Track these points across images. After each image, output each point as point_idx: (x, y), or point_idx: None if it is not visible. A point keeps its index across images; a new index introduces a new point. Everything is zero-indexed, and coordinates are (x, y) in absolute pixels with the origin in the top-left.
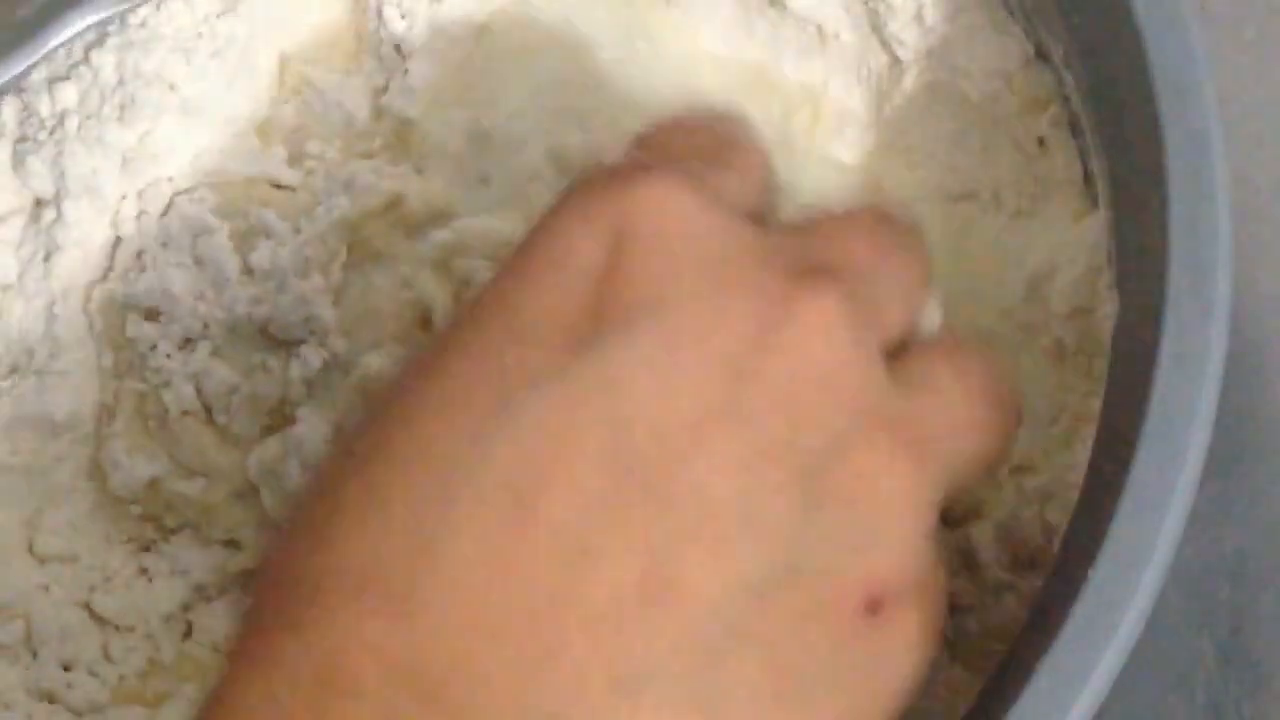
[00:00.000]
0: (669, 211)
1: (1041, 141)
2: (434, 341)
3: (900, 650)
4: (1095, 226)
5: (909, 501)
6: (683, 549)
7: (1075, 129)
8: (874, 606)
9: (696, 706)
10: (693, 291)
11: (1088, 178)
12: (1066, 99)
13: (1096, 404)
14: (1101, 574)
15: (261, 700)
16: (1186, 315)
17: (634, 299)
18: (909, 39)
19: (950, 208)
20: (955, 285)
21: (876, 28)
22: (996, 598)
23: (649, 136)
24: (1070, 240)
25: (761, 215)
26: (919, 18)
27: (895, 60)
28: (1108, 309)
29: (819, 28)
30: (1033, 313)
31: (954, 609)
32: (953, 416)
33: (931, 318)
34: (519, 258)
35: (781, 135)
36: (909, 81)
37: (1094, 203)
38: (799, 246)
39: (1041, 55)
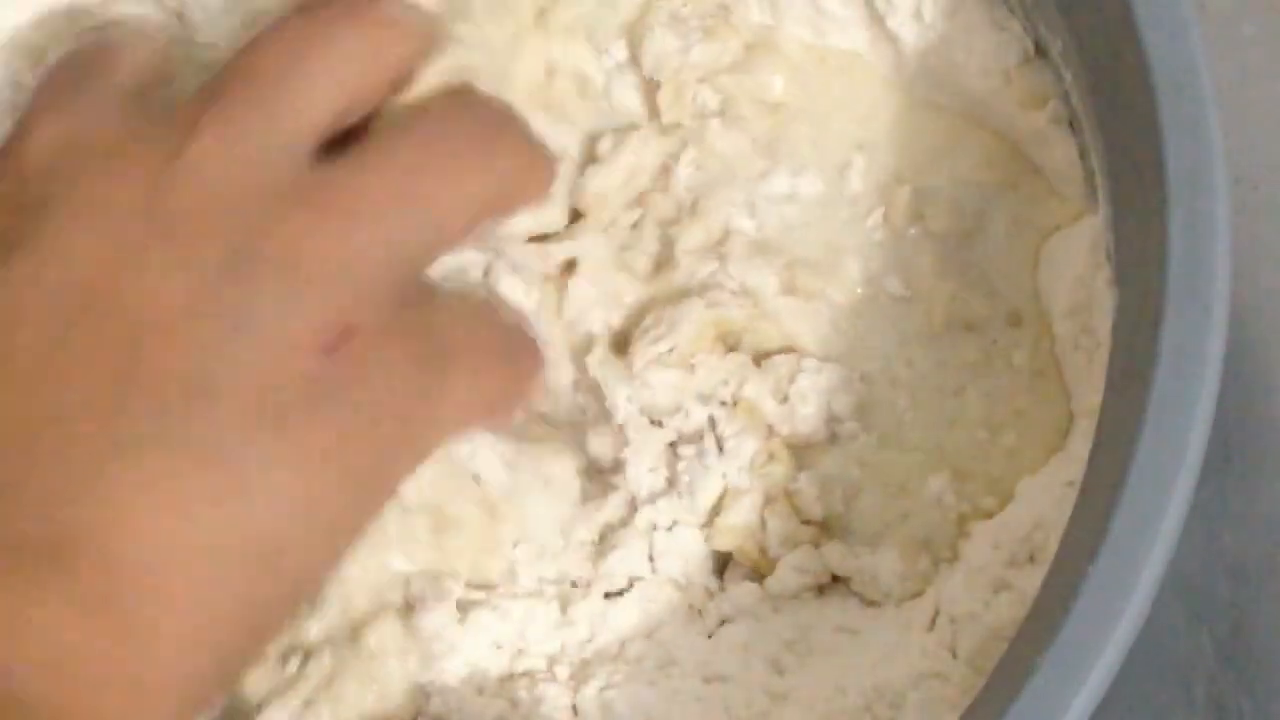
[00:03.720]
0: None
1: (1041, 138)
2: None
3: (371, 375)
4: (1094, 223)
5: (342, 253)
6: (137, 345)
7: (1074, 126)
8: (331, 346)
9: (186, 453)
10: (84, 171)
11: (1087, 175)
12: (1065, 95)
13: (1096, 400)
14: (1101, 570)
15: None
16: (1186, 312)
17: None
18: (907, 35)
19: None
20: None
21: (875, 22)
22: (996, 596)
23: None
24: (1070, 237)
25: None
26: (918, 14)
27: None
28: (1107, 306)
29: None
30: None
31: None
32: (390, 190)
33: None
34: None
35: None
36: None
37: (1093, 199)
38: (177, 109)
39: (1040, 52)
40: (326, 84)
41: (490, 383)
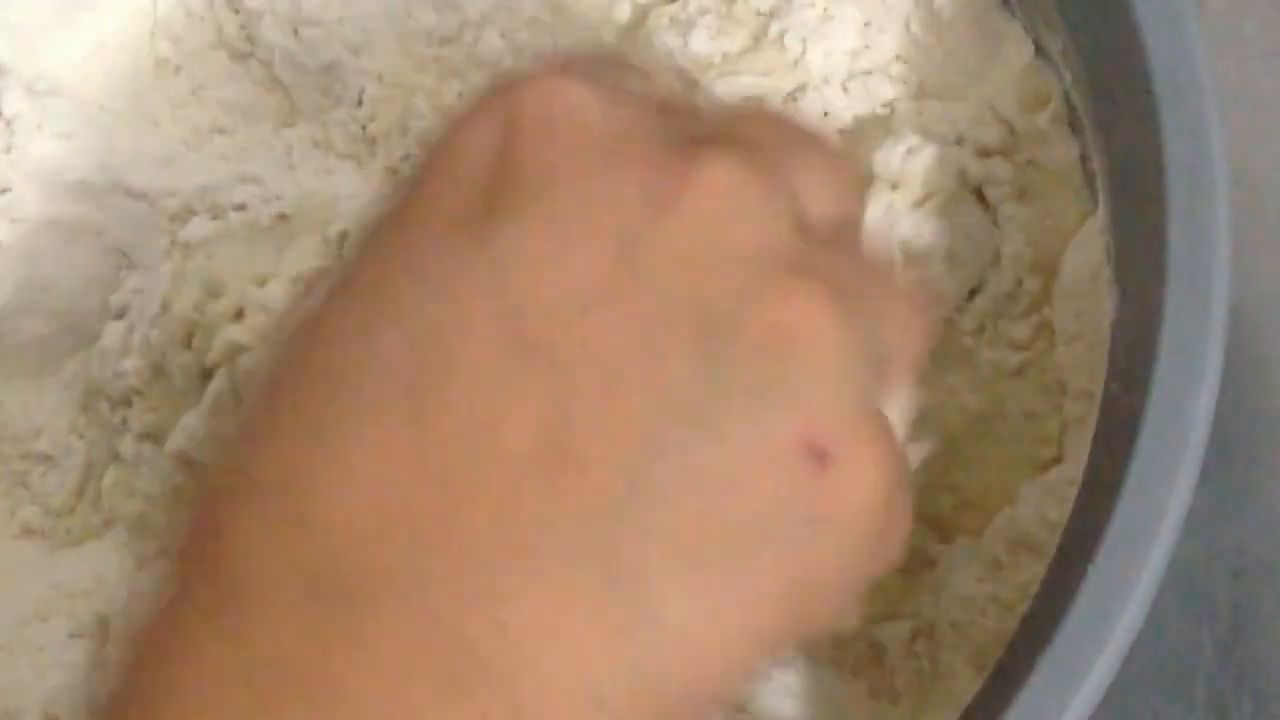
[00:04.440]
0: (556, 97)
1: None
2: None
3: (851, 503)
4: (1095, 222)
5: (838, 346)
6: (574, 413)
7: (1075, 126)
8: (819, 457)
9: (604, 570)
10: (582, 169)
11: (1087, 174)
12: (1066, 95)
13: (1096, 398)
14: (1100, 568)
15: (173, 610)
16: (1186, 311)
17: (521, 183)
18: None
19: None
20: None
21: None
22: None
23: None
24: (1070, 236)
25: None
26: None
27: None
28: (1107, 305)
29: None
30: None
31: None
32: (880, 289)
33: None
34: (422, 159)
35: None
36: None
37: (1094, 198)
38: (699, 126)
39: (1040, 52)
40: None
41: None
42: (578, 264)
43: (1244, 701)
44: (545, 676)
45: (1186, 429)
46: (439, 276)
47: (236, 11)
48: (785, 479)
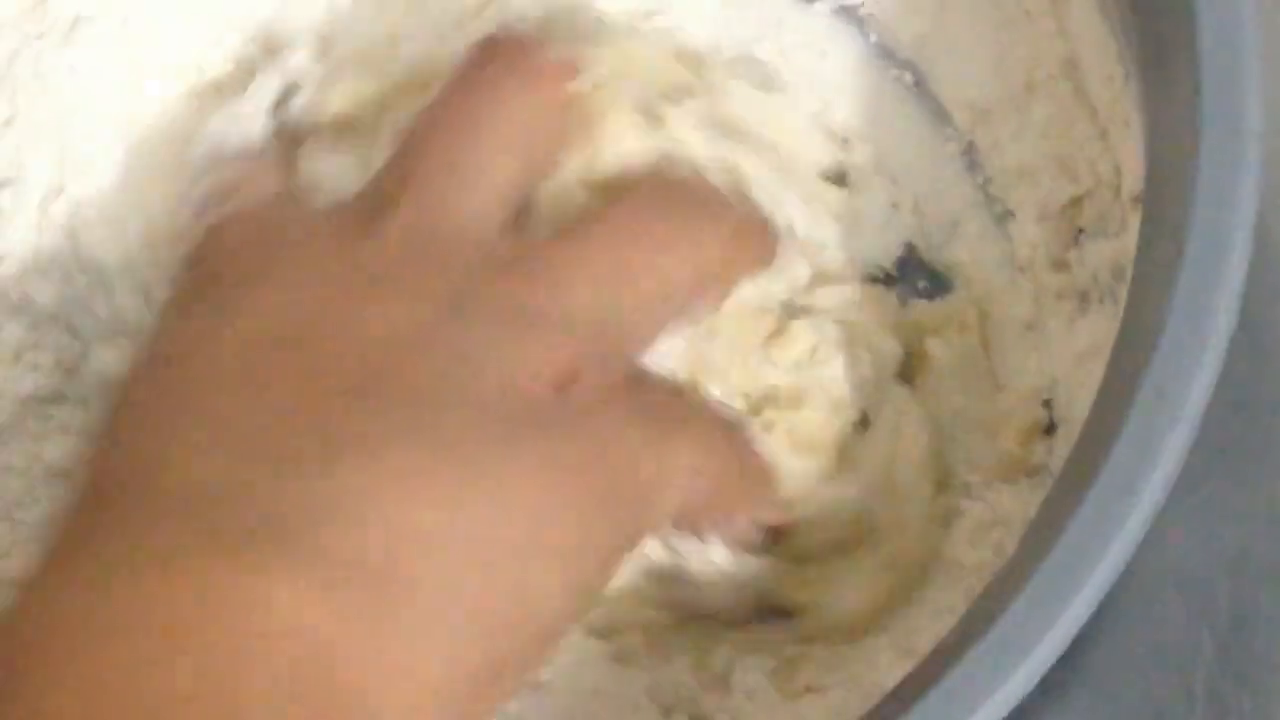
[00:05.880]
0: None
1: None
2: None
3: (598, 418)
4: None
5: (563, 308)
6: (371, 359)
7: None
8: (558, 386)
9: (437, 448)
10: (289, 245)
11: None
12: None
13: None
14: (1101, 487)
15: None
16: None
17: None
18: None
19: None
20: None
21: None
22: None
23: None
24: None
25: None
26: None
27: None
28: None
29: None
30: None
31: None
32: (608, 258)
33: None
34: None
35: None
36: None
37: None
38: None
39: None
40: (506, 159)
41: (715, 461)
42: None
43: (1244, 701)
44: (395, 532)
45: (1210, 323)
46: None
47: None
48: (538, 390)
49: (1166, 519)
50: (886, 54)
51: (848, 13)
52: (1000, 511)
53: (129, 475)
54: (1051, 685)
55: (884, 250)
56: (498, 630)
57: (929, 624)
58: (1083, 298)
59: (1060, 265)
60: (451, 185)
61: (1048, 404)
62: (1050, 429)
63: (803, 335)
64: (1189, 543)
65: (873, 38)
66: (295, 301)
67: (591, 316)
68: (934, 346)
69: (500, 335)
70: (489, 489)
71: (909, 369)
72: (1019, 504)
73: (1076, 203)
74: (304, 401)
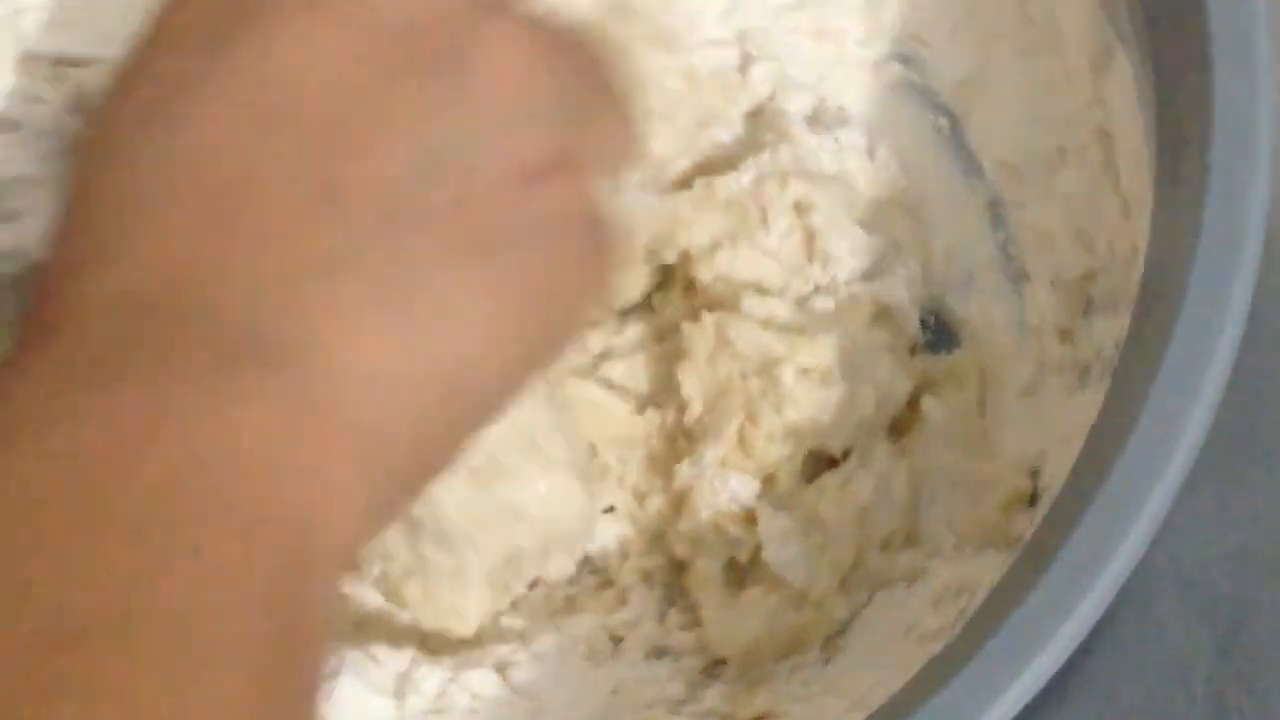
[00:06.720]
0: None
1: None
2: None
3: (561, 208)
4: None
5: (531, 88)
6: (337, 159)
7: None
8: (527, 178)
9: (386, 275)
10: None
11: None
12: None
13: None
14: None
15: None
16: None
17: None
18: None
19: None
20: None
21: None
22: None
23: None
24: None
25: None
26: None
27: None
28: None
29: None
30: None
31: None
32: (598, 96)
33: None
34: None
35: None
36: None
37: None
38: None
39: None
40: None
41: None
42: (322, 45)
43: (1244, 700)
44: (330, 358)
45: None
46: (201, 77)
47: None
48: (498, 192)
49: (1167, 520)
50: (927, 96)
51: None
52: (968, 579)
53: (95, 257)
54: (1053, 686)
55: (908, 290)
56: (436, 431)
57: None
58: (1084, 371)
59: (1066, 335)
60: None
61: (1035, 474)
62: (1034, 500)
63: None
64: (1189, 543)
65: (916, 78)
66: (293, 50)
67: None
68: (929, 401)
69: (485, 118)
70: (440, 311)
71: (900, 420)
72: (988, 574)
73: (1091, 276)
74: (275, 207)
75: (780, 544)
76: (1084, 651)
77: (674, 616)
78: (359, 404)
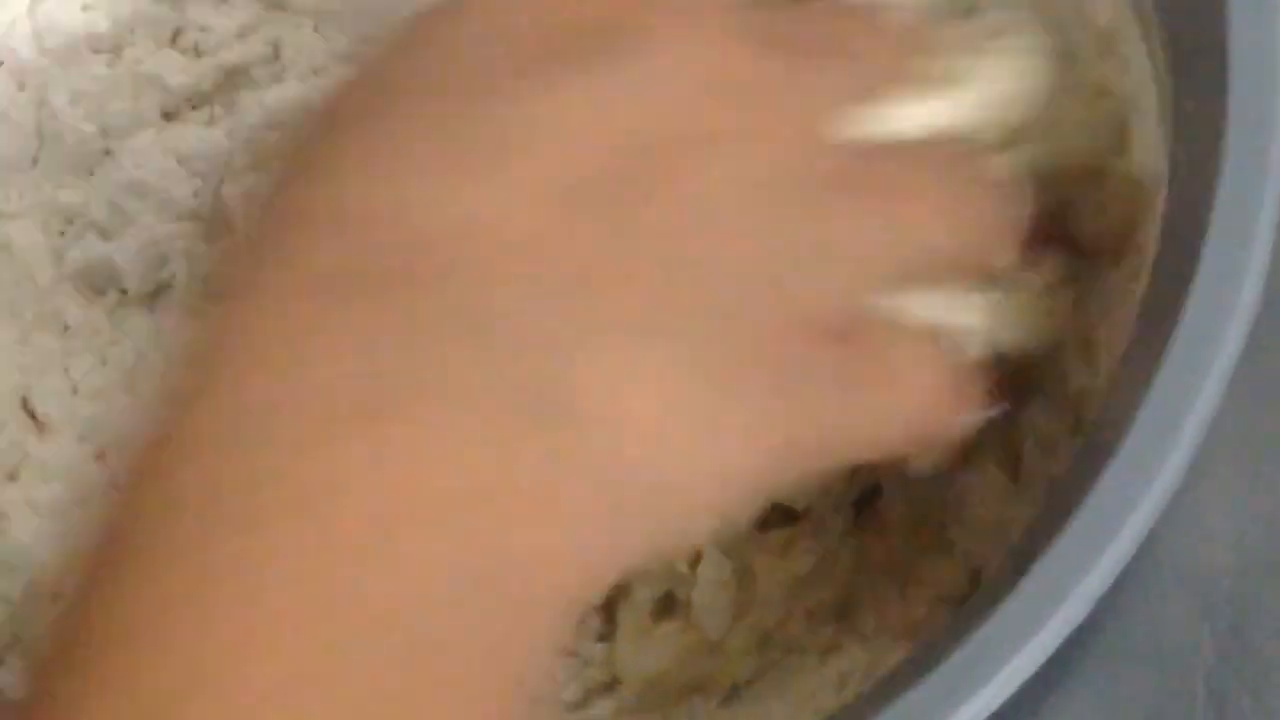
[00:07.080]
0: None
1: None
2: None
3: (875, 379)
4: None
5: (879, 252)
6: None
7: None
8: (843, 336)
9: (661, 344)
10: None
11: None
12: None
13: None
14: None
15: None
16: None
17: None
18: None
19: None
20: None
21: None
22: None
23: None
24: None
25: None
26: None
27: None
28: None
29: None
30: None
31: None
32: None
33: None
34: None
35: None
36: None
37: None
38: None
39: None
40: None
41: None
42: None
43: (1244, 699)
44: (612, 415)
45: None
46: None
47: None
48: (813, 341)
49: (1167, 516)
50: None
51: None
52: (875, 666)
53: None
54: (1052, 683)
55: None
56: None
57: None
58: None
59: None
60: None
61: (976, 576)
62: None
63: None
64: (1190, 541)
65: None
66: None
67: (892, 254)
68: (891, 489)
69: (817, 265)
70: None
71: (866, 496)
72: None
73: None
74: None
75: (711, 591)
76: (1082, 648)
77: (593, 623)
78: (634, 462)
